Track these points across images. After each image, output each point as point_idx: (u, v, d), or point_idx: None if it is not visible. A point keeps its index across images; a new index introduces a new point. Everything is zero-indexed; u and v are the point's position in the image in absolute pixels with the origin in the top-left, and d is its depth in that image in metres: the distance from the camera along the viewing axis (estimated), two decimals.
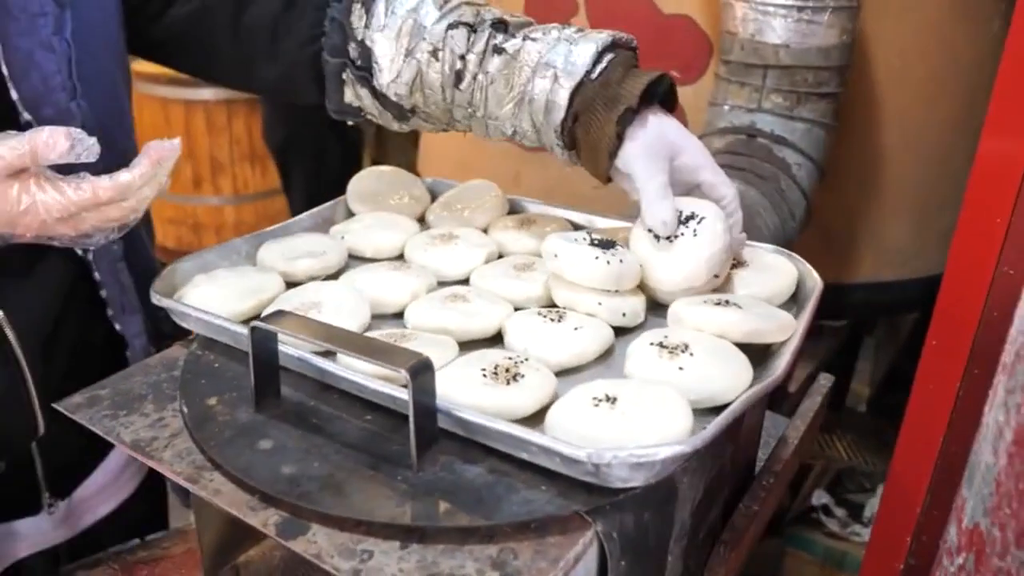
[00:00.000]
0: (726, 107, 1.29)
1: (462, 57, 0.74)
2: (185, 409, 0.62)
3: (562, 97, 0.71)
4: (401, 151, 2.60)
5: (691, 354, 0.62)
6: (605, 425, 0.54)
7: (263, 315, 0.59)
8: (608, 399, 0.56)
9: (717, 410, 0.60)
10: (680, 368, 0.61)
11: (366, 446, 0.57)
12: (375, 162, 2.85)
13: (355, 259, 0.84)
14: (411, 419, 0.53)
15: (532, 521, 0.51)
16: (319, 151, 2.43)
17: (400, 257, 0.84)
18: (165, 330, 0.85)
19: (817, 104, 1.26)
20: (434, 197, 0.95)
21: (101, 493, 0.89)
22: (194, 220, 2.92)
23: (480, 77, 0.74)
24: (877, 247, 1.57)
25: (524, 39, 0.73)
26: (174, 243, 2.95)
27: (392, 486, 0.54)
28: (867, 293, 1.62)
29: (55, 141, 0.58)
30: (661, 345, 0.63)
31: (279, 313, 0.59)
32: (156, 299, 0.70)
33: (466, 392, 0.58)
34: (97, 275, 0.79)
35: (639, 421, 0.55)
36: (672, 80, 0.73)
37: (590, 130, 0.71)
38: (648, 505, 0.57)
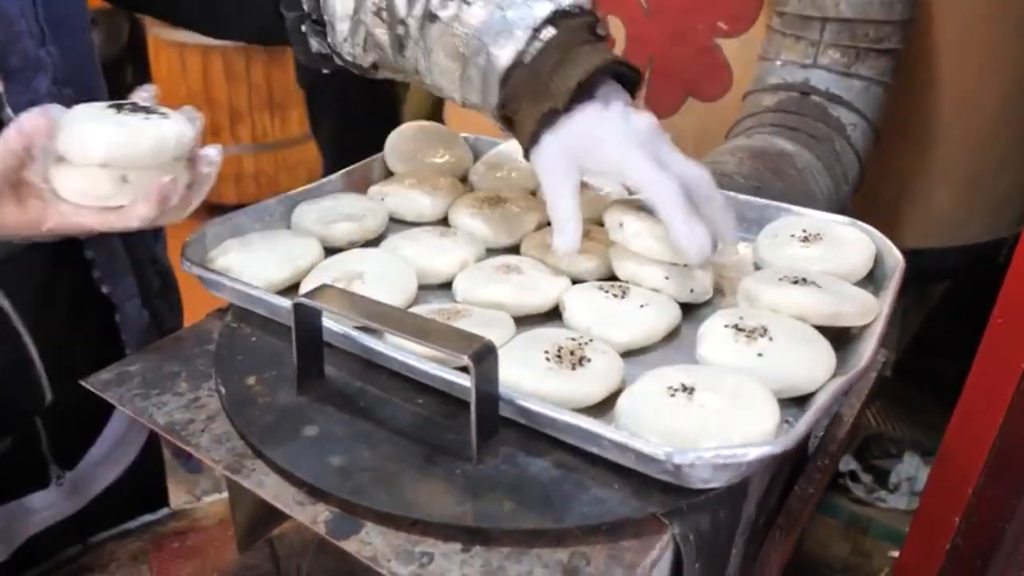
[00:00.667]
0: (778, 62, 1.21)
1: (402, 22, 0.66)
2: (222, 389, 0.57)
3: (492, 82, 0.61)
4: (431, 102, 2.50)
5: (770, 338, 0.56)
6: (684, 418, 0.50)
7: (304, 291, 0.54)
8: (684, 389, 0.52)
9: (797, 400, 0.55)
10: (759, 354, 0.56)
11: (420, 434, 0.53)
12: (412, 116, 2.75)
13: (396, 222, 0.79)
14: (472, 409, 0.49)
15: (604, 524, 0.47)
16: (342, 92, 2.36)
17: (444, 221, 0.78)
18: (154, 289, 0.82)
19: (876, 61, 1.18)
20: (477, 156, 0.89)
21: (106, 461, 0.85)
22: None
23: (422, 44, 0.66)
24: (925, 213, 1.50)
25: (460, 3, 0.63)
26: None
27: (451, 480, 0.49)
28: (911, 260, 1.56)
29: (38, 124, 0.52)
30: (737, 328, 0.58)
31: (324, 288, 0.54)
32: (186, 266, 0.65)
33: (529, 378, 0.53)
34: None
35: (721, 415, 0.50)
36: (626, 65, 0.63)
37: (515, 120, 0.62)
38: (723, 503, 0.52)
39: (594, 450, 0.49)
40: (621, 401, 0.52)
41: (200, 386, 0.59)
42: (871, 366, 0.57)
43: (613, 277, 0.68)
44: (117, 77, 3.15)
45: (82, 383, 0.60)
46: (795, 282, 0.63)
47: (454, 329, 0.50)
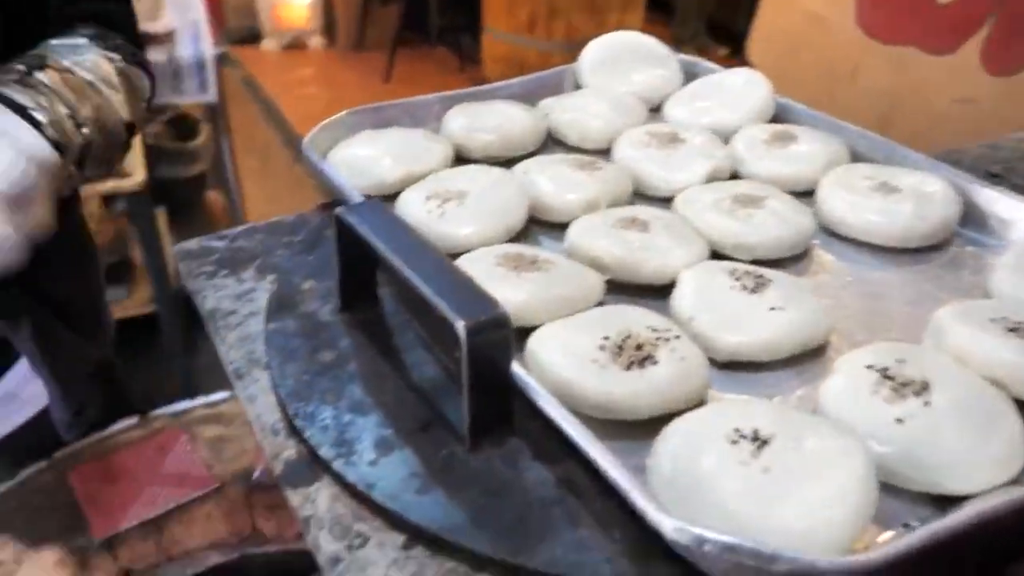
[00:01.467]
0: None
1: None
2: (275, 287, 0.53)
3: None
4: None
5: (926, 402, 0.39)
6: (731, 477, 0.36)
7: (344, 206, 0.47)
8: (755, 439, 0.37)
9: (943, 497, 0.38)
10: (898, 420, 0.39)
11: (432, 393, 0.45)
12: None
13: (556, 143, 0.69)
14: (464, 389, 0.39)
15: None
16: None
17: (608, 151, 0.66)
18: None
19: None
20: (690, 82, 0.75)
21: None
22: (521, 61, 2.88)
23: None
24: None
25: None
26: (499, 78, 2.96)
27: (429, 460, 0.41)
28: None
29: None
30: (885, 373, 0.41)
31: (369, 204, 0.47)
32: (305, 152, 0.61)
33: (562, 367, 0.42)
34: None
35: (784, 490, 0.35)
36: None
37: None
38: None
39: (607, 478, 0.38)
40: (664, 433, 0.39)
41: (265, 276, 0.56)
42: None
43: (766, 263, 0.53)
44: None
45: (176, 248, 0.59)
46: (1013, 330, 0.43)
47: (470, 287, 0.40)
